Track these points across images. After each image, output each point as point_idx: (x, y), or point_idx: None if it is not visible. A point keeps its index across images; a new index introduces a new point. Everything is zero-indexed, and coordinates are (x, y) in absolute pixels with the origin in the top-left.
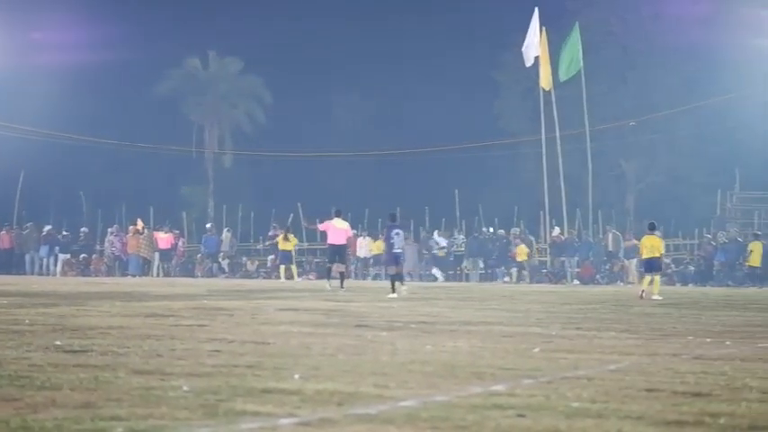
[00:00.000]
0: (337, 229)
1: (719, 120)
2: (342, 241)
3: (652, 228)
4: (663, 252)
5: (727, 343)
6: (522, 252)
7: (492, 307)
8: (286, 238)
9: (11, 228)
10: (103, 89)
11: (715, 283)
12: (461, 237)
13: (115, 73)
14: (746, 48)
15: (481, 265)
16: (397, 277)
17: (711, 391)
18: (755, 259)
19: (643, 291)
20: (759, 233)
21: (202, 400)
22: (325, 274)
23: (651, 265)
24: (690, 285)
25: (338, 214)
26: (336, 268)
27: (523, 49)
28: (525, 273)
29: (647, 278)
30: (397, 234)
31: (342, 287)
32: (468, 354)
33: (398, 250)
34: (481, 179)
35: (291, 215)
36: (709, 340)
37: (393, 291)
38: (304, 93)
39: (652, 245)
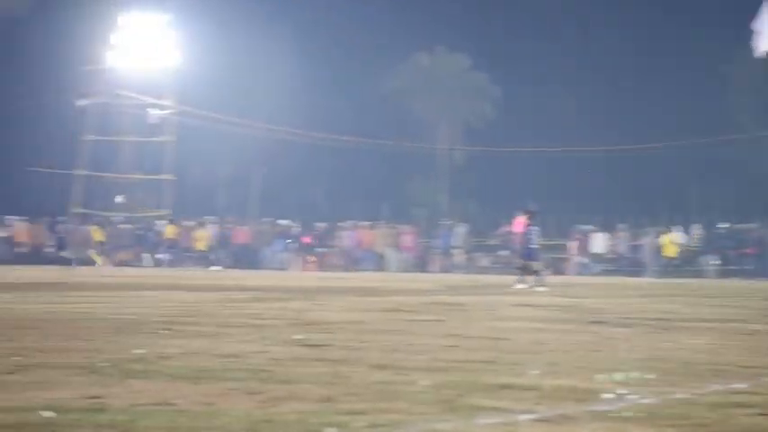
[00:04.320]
0: None
1: None
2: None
3: None
4: None
5: None
6: None
7: (728, 304)
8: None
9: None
10: (337, 84)
11: None
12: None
13: (347, 68)
14: None
15: (717, 260)
16: (529, 270)
17: None
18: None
19: None
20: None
21: (440, 395)
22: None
23: None
24: None
25: None
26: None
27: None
28: None
29: None
30: (535, 230)
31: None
32: (706, 351)
33: (534, 246)
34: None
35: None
36: None
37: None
38: (533, 88)
39: None
